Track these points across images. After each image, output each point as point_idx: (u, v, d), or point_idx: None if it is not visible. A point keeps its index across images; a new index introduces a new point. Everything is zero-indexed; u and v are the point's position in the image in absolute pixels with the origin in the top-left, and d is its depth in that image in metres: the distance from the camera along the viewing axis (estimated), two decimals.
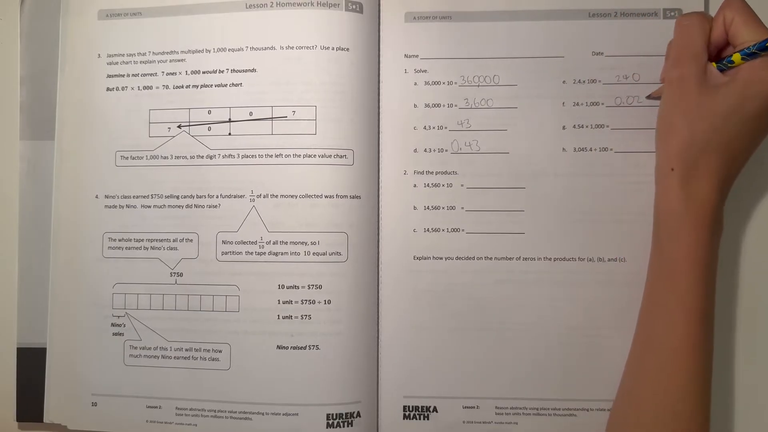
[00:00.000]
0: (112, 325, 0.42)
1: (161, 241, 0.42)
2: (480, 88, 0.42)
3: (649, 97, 0.40)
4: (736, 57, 0.35)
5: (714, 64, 0.36)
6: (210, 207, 0.42)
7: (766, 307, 0.41)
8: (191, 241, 0.42)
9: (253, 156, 0.41)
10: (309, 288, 0.41)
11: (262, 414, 0.41)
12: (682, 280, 0.35)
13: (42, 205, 0.43)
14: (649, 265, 0.37)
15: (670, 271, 0.36)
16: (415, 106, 0.42)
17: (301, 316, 0.41)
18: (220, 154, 0.42)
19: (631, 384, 0.37)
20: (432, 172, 0.42)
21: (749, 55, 0.34)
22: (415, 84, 0.42)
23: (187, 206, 0.42)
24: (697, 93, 0.35)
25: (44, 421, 0.42)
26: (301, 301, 0.41)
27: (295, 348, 0.41)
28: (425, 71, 0.42)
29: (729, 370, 0.40)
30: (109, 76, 0.43)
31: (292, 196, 0.41)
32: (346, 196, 0.41)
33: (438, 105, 0.42)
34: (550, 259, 0.41)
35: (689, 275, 0.35)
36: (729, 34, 0.36)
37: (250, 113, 0.42)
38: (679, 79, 0.36)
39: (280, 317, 0.41)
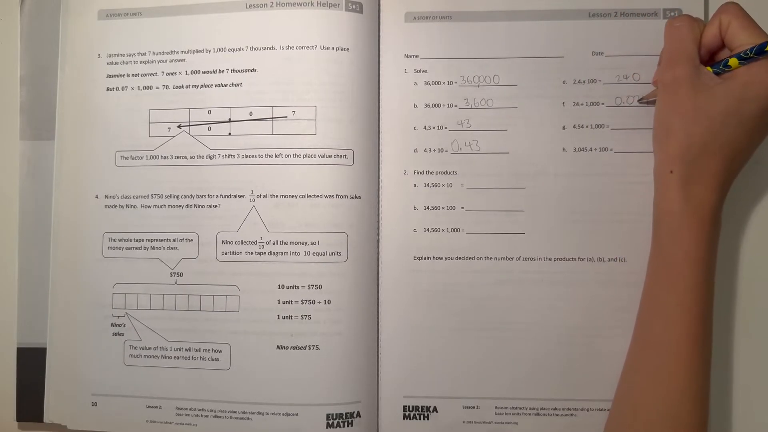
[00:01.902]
0: (112, 325, 0.42)
1: (161, 241, 0.42)
2: (480, 88, 0.42)
3: (641, 100, 0.40)
4: (733, 61, 0.35)
5: (709, 68, 0.36)
6: (210, 207, 0.42)
7: (765, 307, 0.41)
8: (191, 241, 0.42)
9: (253, 156, 0.41)
10: (309, 288, 0.41)
11: (262, 414, 0.41)
12: (681, 281, 0.35)
13: (42, 205, 0.43)
14: (648, 265, 0.38)
15: (670, 272, 0.36)
16: (415, 106, 0.42)
17: (301, 316, 0.41)
18: (220, 154, 0.42)
19: (629, 384, 0.37)
20: (432, 172, 0.42)
21: (746, 59, 0.34)
22: (415, 84, 0.42)
23: (187, 206, 0.42)
24: (692, 94, 0.35)
25: (44, 421, 0.42)
26: (301, 301, 0.41)
27: (295, 348, 0.41)
28: (425, 71, 0.42)
29: (727, 371, 0.40)
30: (109, 76, 0.43)
31: (292, 196, 0.41)
32: (346, 196, 0.41)
33: (438, 105, 0.42)
34: (550, 259, 0.41)
35: (688, 275, 0.35)
36: (726, 38, 0.36)
37: (250, 113, 0.42)
38: (673, 80, 0.36)
39: (280, 317, 0.41)
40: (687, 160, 0.35)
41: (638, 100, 0.40)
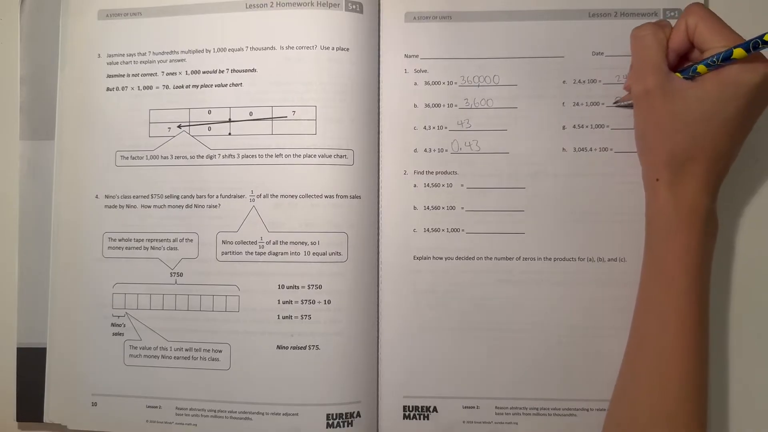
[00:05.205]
0: (112, 325, 0.42)
1: (161, 241, 0.42)
2: (480, 88, 0.42)
3: (616, 104, 0.40)
4: (702, 68, 0.35)
5: (678, 74, 0.36)
6: (210, 207, 0.42)
7: (761, 307, 0.41)
8: (191, 241, 0.42)
9: (253, 156, 0.41)
10: (309, 288, 0.41)
11: (262, 414, 0.41)
12: (675, 282, 0.35)
13: (42, 205, 0.43)
14: (642, 266, 0.37)
15: (663, 273, 0.36)
16: (415, 106, 0.42)
17: (301, 316, 0.41)
18: (220, 154, 0.42)
19: (626, 385, 0.37)
20: (432, 172, 0.42)
21: (714, 66, 0.34)
22: (415, 84, 0.42)
23: (187, 206, 0.42)
24: (666, 104, 0.35)
25: (44, 421, 0.42)
26: (301, 301, 0.41)
27: (295, 348, 0.41)
28: (425, 71, 0.42)
29: (724, 371, 0.40)
30: (109, 76, 0.43)
31: (292, 196, 0.41)
32: (346, 196, 0.41)
33: (438, 105, 0.42)
34: (550, 259, 0.41)
35: (681, 277, 0.35)
36: (694, 40, 0.35)
37: (250, 113, 0.42)
38: (644, 93, 0.36)
39: (280, 317, 0.41)
40: (672, 168, 0.35)
41: (614, 103, 0.40)
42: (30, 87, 0.44)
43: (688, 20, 0.35)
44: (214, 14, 0.42)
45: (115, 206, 0.43)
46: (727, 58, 0.33)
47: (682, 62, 0.37)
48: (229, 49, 0.42)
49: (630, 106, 0.39)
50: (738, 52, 0.33)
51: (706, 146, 0.35)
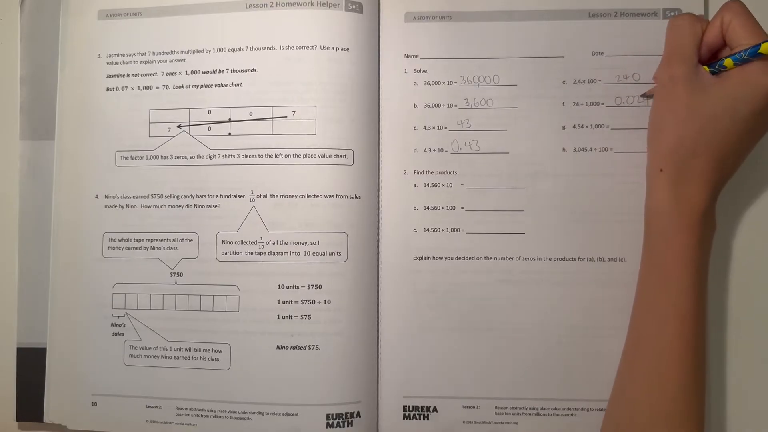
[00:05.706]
0: (112, 325, 0.42)
1: (161, 241, 0.42)
2: (480, 88, 0.42)
3: (643, 95, 0.40)
4: (728, 62, 0.35)
5: (706, 68, 0.36)
6: (210, 207, 0.42)
7: (759, 306, 0.41)
8: (191, 241, 0.42)
9: (253, 156, 0.41)
10: (309, 288, 0.41)
11: (262, 414, 0.41)
12: (673, 281, 0.35)
13: (42, 205, 0.43)
14: (641, 265, 0.38)
15: (661, 272, 0.36)
16: (415, 106, 0.42)
17: (301, 316, 0.41)
18: (220, 154, 0.42)
19: (624, 384, 0.37)
20: (432, 172, 0.42)
21: (741, 61, 0.34)
22: (415, 84, 0.42)
23: (187, 206, 0.42)
24: (687, 95, 0.35)
25: (44, 421, 0.42)
26: (301, 301, 0.41)
27: (295, 348, 0.41)
28: (425, 71, 0.42)
29: (722, 370, 0.40)
30: (109, 76, 0.43)
31: (292, 196, 0.41)
32: (346, 196, 0.41)
33: (438, 105, 0.42)
34: (550, 259, 0.41)
35: (680, 276, 0.35)
36: (726, 37, 0.36)
37: (250, 113, 0.42)
38: (669, 80, 0.36)
39: (280, 317, 0.41)
40: (677, 159, 0.35)
41: (641, 95, 0.40)
42: (30, 87, 0.44)
43: (723, 16, 0.36)
44: (214, 14, 0.42)
45: (115, 206, 0.43)
46: (754, 54, 0.33)
47: (712, 59, 0.37)
48: (229, 49, 0.42)
49: None
50: (765, 47, 0.33)
51: (714, 143, 0.35)
